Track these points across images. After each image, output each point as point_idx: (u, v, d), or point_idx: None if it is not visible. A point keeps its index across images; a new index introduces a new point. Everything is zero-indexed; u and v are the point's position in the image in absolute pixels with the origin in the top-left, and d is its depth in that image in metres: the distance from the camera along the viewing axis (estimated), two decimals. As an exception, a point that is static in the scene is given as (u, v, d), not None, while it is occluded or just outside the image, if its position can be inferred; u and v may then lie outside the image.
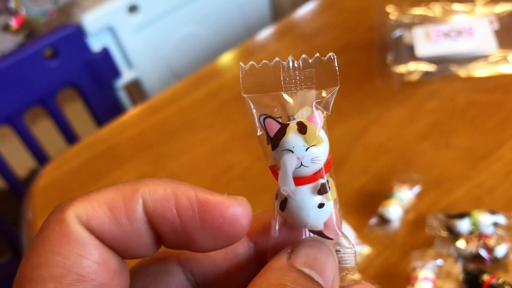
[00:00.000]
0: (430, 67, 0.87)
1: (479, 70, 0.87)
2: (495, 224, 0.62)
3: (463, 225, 0.63)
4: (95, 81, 1.26)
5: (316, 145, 0.25)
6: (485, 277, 0.56)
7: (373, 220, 0.69)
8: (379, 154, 0.79)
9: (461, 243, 0.61)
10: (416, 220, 0.68)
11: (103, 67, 1.26)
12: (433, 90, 0.87)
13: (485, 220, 0.62)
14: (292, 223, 0.23)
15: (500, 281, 0.55)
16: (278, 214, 0.24)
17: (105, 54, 1.26)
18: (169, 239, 0.20)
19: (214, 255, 0.22)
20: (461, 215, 0.64)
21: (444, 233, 0.64)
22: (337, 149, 0.83)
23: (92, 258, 0.18)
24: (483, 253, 0.59)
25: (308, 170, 0.24)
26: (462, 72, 0.87)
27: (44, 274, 0.17)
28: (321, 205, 0.23)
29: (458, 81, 0.87)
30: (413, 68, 0.88)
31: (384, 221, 0.68)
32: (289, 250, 0.21)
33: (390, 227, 0.67)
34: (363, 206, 0.72)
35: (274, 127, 0.24)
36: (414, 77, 0.89)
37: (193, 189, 0.20)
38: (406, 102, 0.86)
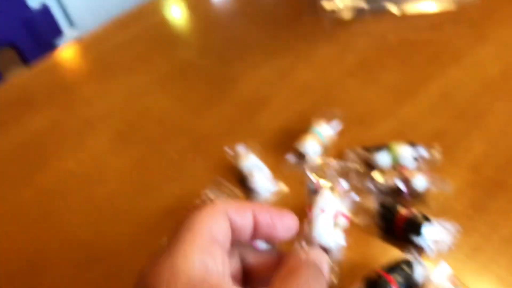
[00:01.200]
0: (362, 3, 0.82)
1: (412, 8, 0.82)
2: (415, 158, 0.58)
3: (382, 158, 0.59)
4: (35, 40, 1.17)
5: None
6: (401, 210, 0.52)
7: (290, 157, 0.64)
8: (304, 93, 0.74)
9: (377, 176, 0.57)
10: (335, 156, 0.63)
11: (43, 25, 1.17)
12: (364, 28, 0.82)
13: (405, 152, 0.58)
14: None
15: (417, 213, 0.52)
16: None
17: (45, 11, 1.16)
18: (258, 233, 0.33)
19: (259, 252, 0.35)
20: (379, 148, 0.59)
21: (362, 167, 0.60)
22: (262, 89, 0.77)
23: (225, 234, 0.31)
24: (401, 185, 0.55)
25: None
26: (395, 9, 0.83)
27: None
28: None
29: (390, 19, 0.83)
30: (343, 5, 0.83)
31: (301, 157, 0.63)
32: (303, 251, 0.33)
33: (305, 163, 0.63)
34: (281, 144, 0.67)
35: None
36: (346, 15, 0.84)
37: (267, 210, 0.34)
38: (336, 41, 0.82)
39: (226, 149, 0.65)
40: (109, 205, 0.65)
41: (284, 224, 0.33)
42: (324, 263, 0.33)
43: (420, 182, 0.55)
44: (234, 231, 0.32)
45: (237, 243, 0.33)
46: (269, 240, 0.35)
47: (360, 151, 0.61)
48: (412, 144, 0.59)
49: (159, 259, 0.28)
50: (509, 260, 0.48)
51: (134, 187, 0.67)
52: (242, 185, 0.62)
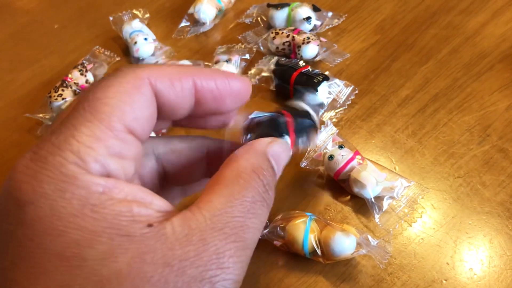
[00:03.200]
0: None
1: None
2: (309, 20, 0.51)
3: (279, 16, 0.52)
4: None
5: None
6: (297, 66, 0.47)
7: (183, 23, 0.56)
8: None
9: (270, 36, 0.50)
10: (233, 20, 0.56)
11: None
12: None
13: (302, 12, 0.52)
14: None
15: (312, 70, 0.46)
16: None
17: None
18: (200, 109, 0.23)
19: (179, 148, 0.25)
20: (282, 5, 0.53)
21: (260, 23, 0.54)
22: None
23: (146, 118, 0.21)
24: (290, 48, 0.49)
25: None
26: None
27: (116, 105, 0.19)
28: None
29: None
30: None
31: (195, 22, 0.56)
32: (269, 141, 0.24)
33: (200, 29, 0.56)
34: (176, 11, 0.59)
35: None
36: None
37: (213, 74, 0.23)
38: None
39: (110, 18, 0.57)
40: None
41: (234, 92, 0.24)
42: (282, 161, 0.24)
43: (309, 50, 0.49)
44: (163, 110, 0.22)
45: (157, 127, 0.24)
46: (213, 114, 0.25)
47: (264, 7, 0.55)
48: (315, 8, 0.53)
49: (40, 154, 0.18)
50: (404, 121, 0.44)
51: (10, 60, 0.59)
52: (126, 54, 0.55)
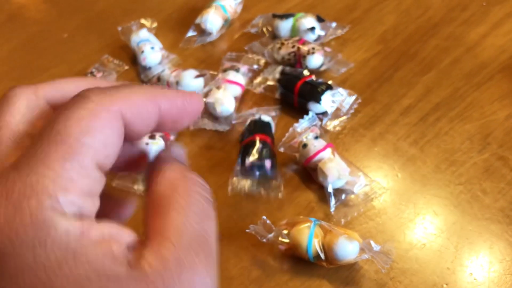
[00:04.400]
0: None
1: None
2: (313, 30, 0.52)
3: (285, 26, 0.54)
4: None
5: None
6: (302, 75, 0.48)
7: (190, 33, 0.58)
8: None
9: (276, 46, 0.52)
10: (239, 30, 0.58)
11: None
12: None
13: (306, 23, 0.53)
14: None
15: (316, 79, 0.48)
16: None
17: None
18: (156, 129, 0.22)
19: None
20: (287, 16, 0.54)
21: (265, 33, 0.55)
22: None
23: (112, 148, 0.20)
24: (295, 58, 0.51)
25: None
26: None
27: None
28: None
29: None
30: None
31: (201, 32, 0.58)
32: (165, 149, 0.24)
33: (206, 38, 0.57)
34: (183, 21, 0.60)
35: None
36: None
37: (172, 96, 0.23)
38: None
39: (119, 28, 0.59)
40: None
41: (192, 111, 0.24)
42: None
43: (314, 60, 0.50)
44: (127, 132, 0.22)
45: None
46: (172, 130, 0.28)
47: (269, 17, 0.56)
48: (319, 18, 0.54)
49: (13, 197, 0.17)
50: (406, 129, 0.45)
51: (21, 69, 0.60)
52: (134, 63, 0.56)
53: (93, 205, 0.19)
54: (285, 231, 0.37)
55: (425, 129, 0.45)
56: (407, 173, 0.42)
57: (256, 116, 0.45)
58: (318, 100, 0.45)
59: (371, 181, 0.40)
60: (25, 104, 0.21)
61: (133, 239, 0.19)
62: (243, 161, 0.41)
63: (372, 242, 0.35)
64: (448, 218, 0.39)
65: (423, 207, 0.40)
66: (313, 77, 0.48)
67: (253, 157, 0.41)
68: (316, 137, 0.42)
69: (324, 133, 0.44)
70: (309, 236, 0.36)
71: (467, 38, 0.52)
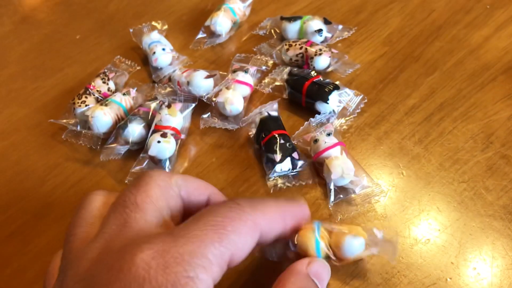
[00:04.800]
0: None
1: None
2: (320, 32, 0.54)
3: (292, 28, 0.55)
4: None
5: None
6: (309, 76, 0.49)
7: (200, 35, 0.59)
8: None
9: (284, 48, 0.53)
10: (247, 32, 0.59)
11: None
12: None
13: (314, 25, 0.54)
14: None
15: (323, 80, 0.49)
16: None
17: None
18: None
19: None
20: (294, 18, 0.55)
21: (273, 34, 0.57)
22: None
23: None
24: (303, 59, 0.52)
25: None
26: None
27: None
28: None
29: None
30: None
31: (211, 34, 0.59)
32: (308, 262, 0.30)
33: (216, 40, 0.58)
34: (193, 23, 0.62)
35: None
36: None
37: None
38: None
39: (131, 30, 0.60)
40: (8, 88, 0.60)
41: (305, 217, 0.32)
42: (324, 279, 0.30)
43: (323, 61, 0.51)
44: (259, 239, 0.27)
45: None
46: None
47: (277, 19, 0.57)
48: (326, 21, 0.55)
49: (165, 259, 0.21)
50: (411, 129, 0.46)
51: (35, 69, 0.62)
52: (146, 64, 0.58)
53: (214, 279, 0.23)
54: (291, 238, 0.37)
55: (430, 128, 0.46)
56: (412, 171, 0.43)
57: (265, 113, 0.46)
58: (325, 100, 0.47)
59: (374, 184, 0.42)
60: (163, 185, 0.27)
61: None
62: (270, 159, 0.43)
63: (375, 230, 0.36)
64: (451, 215, 0.40)
65: (427, 203, 0.41)
66: (321, 78, 0.49)
67: (280, 152, 0.42)
68: (329, 134, 0.43)
69: (337, 132, 0.45)
70: (316, 240, 0.36)
71: (471, 40, 0.53)
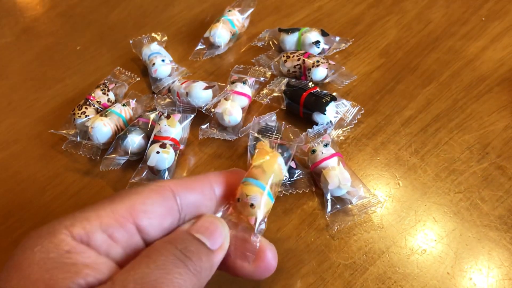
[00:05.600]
0: None
1: None
2: (318, 44, 0.54)
3: (290, 40, 0.56)
4: None
5: None
6: (307, 87, 0.50)
7: (199, 46, 0.60)
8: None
9: (282, 59, 0.54)
10: (246, 44, 0.60)
11: None
12: None
13: (311, 37, 0.55)
14: None
15: (321, 91, 0.49)
16: None
17: None
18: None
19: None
20: (292, 30, 0.56)
21: (271, 46, 0.57)
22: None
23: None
24: (300, 70, 0.53)
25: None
26: None
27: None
28: None
29: None
30: None
31: (210, 45, 0.60)
32: (193, 221, 0.27)
33: (215, 51, 0.59)
34: (192, 35, 0.63)
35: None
36: None
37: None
38: None
39: (131, 41, 0.61)
40: (9, 99, 0.60)
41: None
42: (215, 235, 0.27)
43: (319, 72, 0.52)
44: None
45: None
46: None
47: (275, 31, 0.58)
48: (324, 32, 0.56)
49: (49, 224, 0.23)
50: (407, 139, 0.47)
51: (36, 80, 0.62)
52: (145, 75, 0.59)
53: (108, 245, 0.24)
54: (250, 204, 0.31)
55: (426, 139, 0.46)
56: (408, 181, 0.44)
57: (263, 124, 0.46)
58: (323, 111, 0.47)
59: (370, 194, 0.42)
60: None
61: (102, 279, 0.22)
62: None
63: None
64: (448, 225, 0.40)
65: (423, 214, 0.41)
66: (318, 89, 0.50)
67: None
68: (326, 145, 0.44)
69: (334, 143, 0.46)
70: (257, 185, 0.31)
71: (467, 52, 0.54)
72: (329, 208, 0.41)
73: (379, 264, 0.39)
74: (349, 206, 0.42)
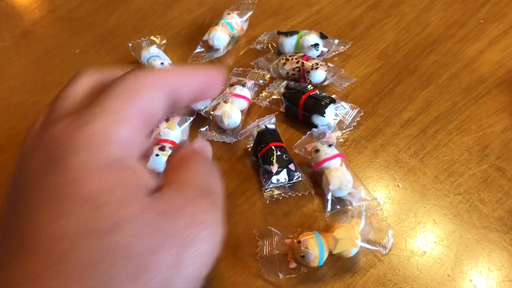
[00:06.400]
0: None
1: None
2: (317, 47, 0.55)
3: (289, 42, 0.56)
4: None
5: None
6: (306, 90, 0.50)
7: (198, 49, 0.60)
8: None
9: (281, 62, 0.54)
10: (245, 46, 0.60)
11: None
12: None
13: (310, 40, 0.55)
14: None
15: (320, 93, 0.49)
16: None
17: None
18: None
19: None
20: (291, 33, 0.56)
21: (270, 49, 0.58)
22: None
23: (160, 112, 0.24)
24: (299, 73, 0.53)
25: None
26: None
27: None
28: None
29: None
30: None
31: (209, 48, 0.60)
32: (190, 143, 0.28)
33: (214, 54, 0.59)
34: (191, 38, 0.63)
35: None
36: None
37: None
38: None
39: (130, 44, 0.61)
40: (8, 102, 0.60)
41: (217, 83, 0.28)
42: (209, 152, 0.29)
43: (319, 75, 0.52)
44: (171, 103, 0.26)
45: None
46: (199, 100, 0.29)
47: (274, 34, 0.58)
48: (323, 35, 0.56)
49: (79, 120, 0.22)
50: (406, 141, 0.47)
51: (35, 83, 0.62)
52: (145, 77, 0.59)
53: (138, 144, 0.23)
54: (302, 253, 0.37)
55: (425, 141, 0.46)
56: (408, 183, 0.44)
57: (262, 126, 0.46)
58: (322, 113, 0.47)
59: (371, 197, 0.42)
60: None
61: (155, 184, 0.23)
62: (267, 171, 0.43)
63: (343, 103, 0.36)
64: (447, 227, 0.40)
65: (423, 216, 0.41)
66: (317, 91, 0.50)
67: (277, 164, 0.43)
68: (330, 145, 0.44)
69: (338, 144, 0.46)
70: (320, 246, 0.37)
71: (465, 54, 0.54)
72: (329, 208, 0.41)
73: (379, 266, 0.39)
74: (349, 207, 0.42)
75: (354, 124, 0.49)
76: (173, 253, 0.20)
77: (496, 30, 0.56)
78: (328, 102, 0.48)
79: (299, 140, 0.47)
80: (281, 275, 0.38)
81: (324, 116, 0.47)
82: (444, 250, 0.39)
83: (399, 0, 0.62)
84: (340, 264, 0.39)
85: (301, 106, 0.48)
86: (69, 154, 0.20)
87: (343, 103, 0.49)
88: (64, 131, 0.21)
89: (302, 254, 0.37)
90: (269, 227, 0.41)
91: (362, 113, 0.49)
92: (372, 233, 0.39)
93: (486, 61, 0.53)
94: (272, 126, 0.47)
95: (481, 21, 0.58)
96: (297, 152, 0.46)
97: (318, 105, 0.48)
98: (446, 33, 0.57)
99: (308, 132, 0.47)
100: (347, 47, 0.57)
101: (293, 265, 0.38)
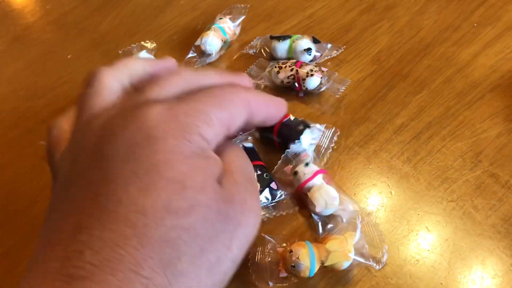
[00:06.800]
0: None
1: None
2: (309, 51, 0.54)
3: (282, 47, 0.56)
4: None
5: None
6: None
7: (190, 54, 0.60)
8: (213, -10, 0.69)
9: (273, 70, 0.53)
10: (237, 51, 0.60)
11: None
12: None
13: (303, 44, 0.55)
14: None
15: (293, 119, 0.47)
16: None
17: None
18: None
19: None
20: (284, 37, 0.56)
21: (263, 53, 0.57)
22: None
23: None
24: (294, 81, 0.52)
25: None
26: None
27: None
28: None
29: None
30: None
31: (201, 53, 0.59)
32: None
33: (206, 60, 0.59)
34: (184, 43, 0.62)
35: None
36: None
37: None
38: None
39: (120, 52, 0.61)
40: (0, 109, 0.60)
41: (282, 113, 0.32)
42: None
43: (313, 82, 0.51)
44: (247, 121, 0.28)
45: None
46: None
47: (267, 38, 0.58)
48: (315, 40, 0.56)
49: (176, 109, 0.24)
50: (399, 148, 0.47)
51: (27, 89, 0.62)
52: (137, 83, 0.58)
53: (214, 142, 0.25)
54: (293, 263, 0.37)
55: (418, 147, 0.46)
56: (401, 190, 0.43)
57: (240, 146, 0.45)
58: (297, 140, 0.45)
59: (359, 208, 0.41)
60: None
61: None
62: None
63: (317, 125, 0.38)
64: (441, 234, 0.40)
65: (416, 223, 0.41)
66: (290, 116, 0.47)
67: (258, 183, 0.42)
68: (307, 164, 0.43)
69: (317, 157, 0.45)
70: (311, 257, 0.37)
71: (459, 58, 0.54)
72: (320, 231, 0.41)
73: (371, 276, 0.38)
74: (339, 222, 0.41)
75: (332, 145, 0.47)
76: (228, 236, 0.23)
77: (489, 34, 0.56)
78: (302, 128, 0.45)
79: (276, 166, 0.45)
80: (271, 283, 0.38)
81: (300, 143, 0.45)
82: (437, 258, 0.39)
83: (392, 3, 0.62)
84: (331, 275, 0.39)
85: (275, 135, 0.46)
86: (165, 137, 0.23)
87: (318, 125, 0.47)
88: (162, 114, 0.23)
89: (292, 264, 0.37)
90: (262, 234, 0.40)
91: (338, 133, 0.47)
92: (366, 247, 0.38)
93: (480, 65, 0.53)
94: (249, 145, 0.46)
95: (475, 24, 0.58)
96: (279, 177, 0.44)
97: (293, 133, 0.45)
98: (439, 37, 0.57)
99: (283, 155, 0.45)
100: (340, 51, 0.57)
101: (283, 274, 0.38)
